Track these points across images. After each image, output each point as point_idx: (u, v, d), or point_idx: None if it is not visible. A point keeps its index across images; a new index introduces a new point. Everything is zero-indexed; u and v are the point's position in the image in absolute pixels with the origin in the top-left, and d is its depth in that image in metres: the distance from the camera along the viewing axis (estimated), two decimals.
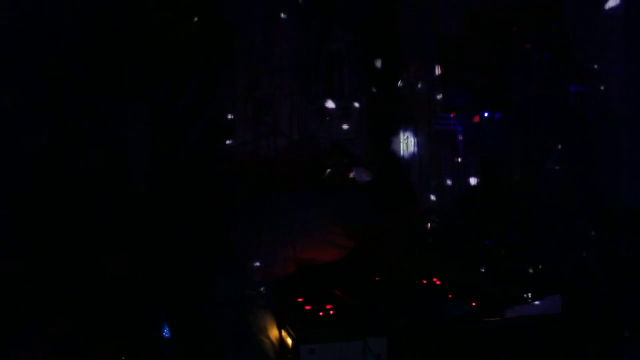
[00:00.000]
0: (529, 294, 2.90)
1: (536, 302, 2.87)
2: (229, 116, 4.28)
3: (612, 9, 4.42)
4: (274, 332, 2.96)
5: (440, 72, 4.63)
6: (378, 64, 4.57)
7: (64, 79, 3.98)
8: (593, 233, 4.23)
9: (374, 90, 4.58)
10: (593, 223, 4.28)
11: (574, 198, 4.37)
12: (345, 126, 4.52)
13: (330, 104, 4.45)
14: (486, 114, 4.58)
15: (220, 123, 4.29)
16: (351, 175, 4.19)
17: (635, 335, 3.31)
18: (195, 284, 3.41)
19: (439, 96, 4.64)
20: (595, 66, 4.44)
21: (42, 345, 3.67)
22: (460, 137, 4.57)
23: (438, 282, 3.25)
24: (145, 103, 4.13)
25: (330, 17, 4.49)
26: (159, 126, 4.16)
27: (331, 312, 2.96)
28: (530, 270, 3.26)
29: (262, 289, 2.97)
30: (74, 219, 3.89)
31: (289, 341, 2.84)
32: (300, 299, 3.12)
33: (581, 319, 2.95)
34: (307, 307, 3.03)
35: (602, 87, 4.42)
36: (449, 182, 4.66)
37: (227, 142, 4.30)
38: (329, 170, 4.26)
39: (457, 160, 4.66)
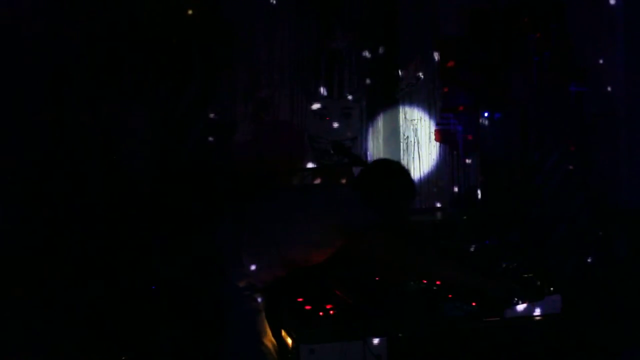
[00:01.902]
0: (529, 294, 2.90)
1: (536, 302, 2.87)
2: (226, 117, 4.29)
3: (612, 9, 4.42)
4: (270, 335, 2.91)
5: (440, 72, 4.63)
6: (378, 64, 4.57)
7: (64, 79, 3.98)
8: (593, 233, 4.23)
9: (374, 90, 4.58)
10: (593, 223, 4.28)
11: (574, 198, 4.37)
12: (345, 126, 4.53)
13: (316, 106, 4.45)
14: (486, 114, 4.58)
15: (220, 123, 4.29)
16: (343, 180, 4.20)
17: (635, 336, 3.31)
18: (191, 285, 3.36)
19: (439, 96, 4.65)
20: (596, 65, 4.45)
21: (42, 346, 3.67)
22: (470, 137, 4.57)
23: (438, 282, 3.25)
24: (145, 103, 4.13)
25: (330, 17, 4.50)
26: (159, 126, 4.16)
27: (331, 312, 2.96)
28: (531, 271, 3.26)
29: (254, 294, 2.90)
30: (74, 219, 3.90)
31: (289, 341, 2.84)
32: (300, 299, 3.12)
33: (581, 319, 2.95)
34: (307, 307, 3.02)
35: (602, 87, 4.42)
36: (449, 181, 4.66)
37: (227, 141, 4.30)
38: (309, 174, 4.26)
39: (458, 160, 4.66)
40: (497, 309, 2.86)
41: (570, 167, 4.23)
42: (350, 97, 4.53)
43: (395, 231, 3.03)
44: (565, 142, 4.42)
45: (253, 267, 2.90)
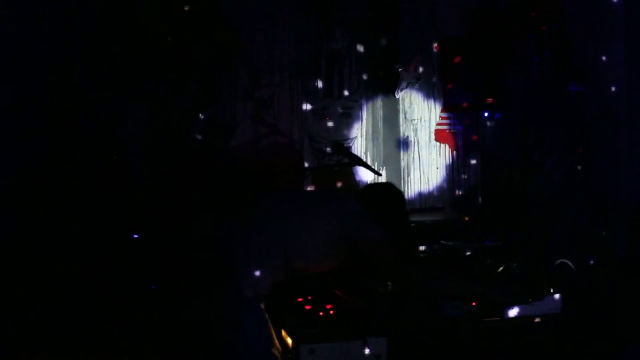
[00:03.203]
0: (530, 295, 2.90)
1: (536, 302, 2.87)
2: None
3: (611, 8, 4.43)
4: (277, 343, 2.88)
5: (442, 70, 4.64)
6: (378, 63, 4.57)
7: (64, 79, 3.98)
8: (593, 233, 4.24)
9: (373, 89, 4.58)
10: (593, 223, 4.29)
11: (574, 198, 4.37)
12: (345, 126, 4.53)
13: (315, 106, 4.45)
14: (486, 114, 4.59)
15: (220, 123, 4.29)
16: (341, 183, 4.23)
17: (635, 335, 3.31)
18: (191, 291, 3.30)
19: (440, 95, 4.65)
20: (596, 65, 4.45)
21: (43, 346, 3.67)
22: (474, 138, 4.58)
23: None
24: (145, 103, 4.13)
25: (330, 17, 4.50)
26: (159, 126, 4.16)
27: (331, 312, 2.96)
28: (530, 271, 3.26)
29: (260, 303, 2.87)
30: (74, 220, 3.90)
31: (289, 341, 2.84)
32: (300, 299, 3.12)
33: (581, 319, 2.95)
34: (307, 307, 3.02)
35: (602, 87, 4.43)
36: (449, 182, 4.66)
37: (227, 141, 4.30)
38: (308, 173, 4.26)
39: (458, 160, 4.66)
40: (497, 309, 2.86)
41: (579, 167, 4.24)
42: (349, 97, 4.52)
43: (397, 248, 3.00)
44: (565, 142, 4.43)
45: (258, 273, 2.86)
